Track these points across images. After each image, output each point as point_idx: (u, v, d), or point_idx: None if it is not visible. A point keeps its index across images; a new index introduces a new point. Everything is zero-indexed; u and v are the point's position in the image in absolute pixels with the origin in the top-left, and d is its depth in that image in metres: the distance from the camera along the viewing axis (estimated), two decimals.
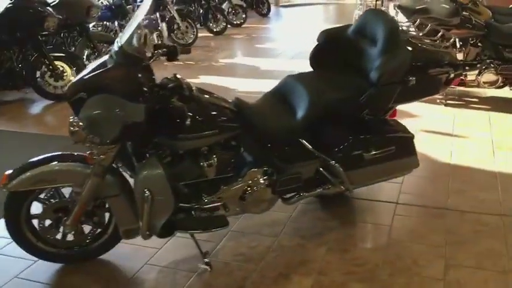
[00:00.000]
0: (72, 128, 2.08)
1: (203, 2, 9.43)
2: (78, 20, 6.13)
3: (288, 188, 2.61)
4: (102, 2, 7.40)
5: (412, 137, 2.75)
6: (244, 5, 10.68)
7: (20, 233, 2.37)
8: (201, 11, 9.52)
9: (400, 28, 2.87)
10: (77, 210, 2.28)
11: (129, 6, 7.17)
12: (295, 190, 2.65)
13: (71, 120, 2.10)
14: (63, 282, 2.41)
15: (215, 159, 2.40)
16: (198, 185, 2.45)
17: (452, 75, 2.73)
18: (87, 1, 6.12)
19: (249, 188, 2.50)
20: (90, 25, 7.13)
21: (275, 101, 2.67)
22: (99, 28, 7.30)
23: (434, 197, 3.10)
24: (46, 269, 2.46)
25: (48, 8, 5.51)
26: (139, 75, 2.12)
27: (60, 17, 5.60)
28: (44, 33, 5.48)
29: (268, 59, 7.34)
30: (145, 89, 2.11)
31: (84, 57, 6.18)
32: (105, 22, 7.31)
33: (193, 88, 2.31)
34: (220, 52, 8.00)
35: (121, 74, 2.11)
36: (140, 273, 2.45)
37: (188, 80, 2.26)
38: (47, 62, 5.36)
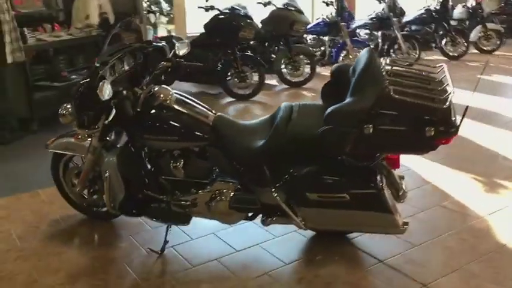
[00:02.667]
0: (61, 112, 2.75)
1: (444, 23, 8.89)
2: (282, 33, 6.90)
3: (243, 207, 2.71)
4: (324, 15, 7.93)
5: (377, 192, 2.43)
6: (502, 31, 9.52)
7: (61, 188, 3.20)
8: (440, 32, 8.99)
9: (385, 72, 2.44)
10: (82, 176, 2.98)
11: (343, 24, 7.50)
12: (253, 211, 2.73)
13: (64, 105, 2.77)
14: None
15: (181, 162, 2.74)
16: (174, 183, 2.83)
17: (431, 133, 2.27)
18: (292, 17, 6.81)
19: (213, 197, 2.73)
20: (308, 37, 7.86)
21: (262, 125, 2.78)
22: (313, 41, 7.90)
23: None
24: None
25: (249, 20, 6.43)
26: None
27: (259, 28, 6.50)
28: (243, 41, 6.46)
29: None
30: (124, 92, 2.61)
31: (282, 65, 6.94)
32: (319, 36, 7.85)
33: (169, 99, 2.68)
34: None
35: None
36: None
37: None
38: (235, 66, 6.28)
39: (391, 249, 2.81)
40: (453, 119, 2.29)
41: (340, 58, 7.58)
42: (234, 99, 6.43)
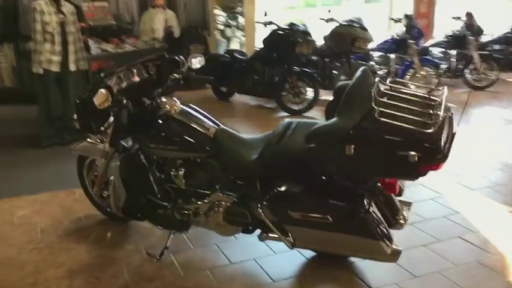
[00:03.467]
0: (74, 117, 2.96)
1: None
2: (344, 49, 6.84)
3: (236, 220, 2.74)
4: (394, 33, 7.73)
5: (360, 216, 2.34)
6: None
7: (86, 189, 3.44)
8: None
9: (377, 93, 2.31)
10: (97, 179, 3.18)
11: (412, 41, 7.25)
12: (245, 225, 2.75)
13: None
14: None
15: (182, 172, 2.84)
16: (178, 191, 2.94)
17: (414, 159, 2.14)
18: (354, 33, 6.72)
19: (210, 208, 2.80)
20: (375, 54, 7.70)
21: (261, 140, 2.80)
22: (380, 58, 7.71)
23: None
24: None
25: (307, 36, 6.45)
26: None
27: (316, 44, 6.51)
28: (300, 56, 6.49)
29: None
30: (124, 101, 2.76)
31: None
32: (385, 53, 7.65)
33: (174, 109, 2.80)
34: None
35: None
36: None
37: None
38: (290, 81, 6.32)
39: (388, 277, 2.69)
40: (440, 145, 2.15)
41: (407, 77, 7.31)
42: (287, 114, 6.45)
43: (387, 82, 2.53)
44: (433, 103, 2.31)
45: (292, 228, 2.53)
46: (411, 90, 2.51)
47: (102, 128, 2.80)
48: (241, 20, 9.96)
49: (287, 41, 6.32)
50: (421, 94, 2.44)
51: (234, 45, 9.59)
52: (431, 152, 2.14)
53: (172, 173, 2.86)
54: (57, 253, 3.00)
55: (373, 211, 2.40)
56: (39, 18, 4.81)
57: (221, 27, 9.48)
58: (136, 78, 2.97)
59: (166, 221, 2.93)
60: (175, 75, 2.94)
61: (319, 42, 7.20)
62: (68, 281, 2.72)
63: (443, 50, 7.97)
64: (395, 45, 7.54)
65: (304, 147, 2.36)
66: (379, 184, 2.55)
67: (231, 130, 2.90)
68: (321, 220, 2.40)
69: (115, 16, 6.30)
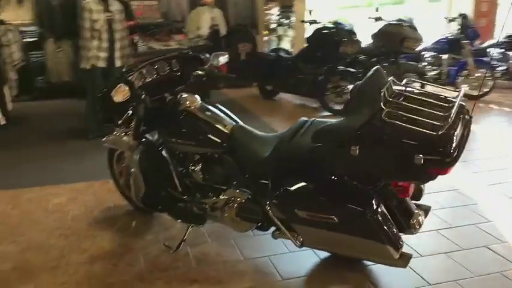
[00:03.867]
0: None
1: None
2: (392, 49, 6.66)
3: (248, 216, 2.76)
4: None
5: (366, 218, 2.29)
6: None
7: (115, 180, 3.58)
8: None
9: (388, 93, 2.26)
10: (124, 171, 3.31)
11: (466, 41, 6.95)
12: (257, 222, 2.76)
13: None
14: None
15: (199, 166, 2.90)
16: (196, 185, 3.01)
17: (421, 162, 2.07)
18: (404, 33, 6.54)
19: (225, 203, 2.85)
20: (426, 54, 7.46)
21: (277, 138, 2.80)
22: (431, 59, 7.44)
23: None
24: None
25: (352, 35, 6.36)
26: None
27: (361, 43, 6.39)
28: (344, 56, 6.41)
29: None
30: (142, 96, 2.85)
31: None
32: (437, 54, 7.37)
33: (193, 105, 2.87)
34: None
35: None
36: None
37: None
38: (334, 80, 6.25)
39: (400, 282, 2.62)
40: (449, 148, 2.07)
41: (460, 79, 7.02)
42: (330, 114, 6.38)
43: (403, 82, 2.45)
44: (446, 105, 2.23)
45: (300, 227, 2.52)
46: (426, 91, 2.42)
47: (120, 122, 2.89)
48: (293, 18, 9.93)
49: (331, 40, 6.26)
50: (436, 95, 2.36)
51: (285, 44, 9.58)
52: (439, 155, 2.07)
53: (190, 167, 2.92)
54: (82, 239, 3.15)
55: (381, 214, 2.35)
56: (88, 16, 5.05)
57: (273, 25, 9.49)
58: (161, 73, 3.04)
59: (183, 214, 3.00)
60: (198, 72, 3.00)
61: (368, 41, 7.06)
62: (87, 266, 2.85)
63: (503, 51, 7.57)
64: (449, 45, 7.24)
65: (312, 146, 2.35)
66: (391, 187, 2.48)
67: (248, 127, 2.92)
68: (327, 220, 2.37)
69: (164, 14, 6.49)
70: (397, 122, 2.11)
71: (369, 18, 6.96)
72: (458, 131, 2.16)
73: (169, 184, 3.01)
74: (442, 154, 2.07)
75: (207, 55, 3.18)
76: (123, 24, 5.34)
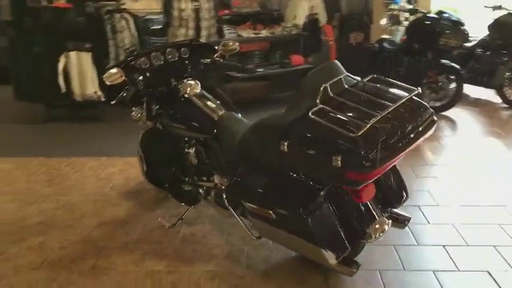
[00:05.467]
0: None
1: None
2: (509, 42, 5.93)
3: (220, 202, 2.84)
4: None
5: (304, 218, 2.19)
6: None
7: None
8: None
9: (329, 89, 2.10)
10: None
11: None
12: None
13: None
14: None
15: (192, 150, 3.07)
16: (195, 168, 3.18)
17: (338, 163, 1.92)
18: None
19: (212, 188, 2.98)
20: None
21: None
22: None
23: None
24: None
25: (457, 26, 5.80)
26: None
27: (467, 35, 5.79)
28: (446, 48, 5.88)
29: None
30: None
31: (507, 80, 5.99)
32: None
33: (189, 92, 3.03)
34: None
35: None
36: None
37: None
38: (429, 75, 5.79)
39: None
40: (367, 151, 1.92)
41: None
42: None
43: (366, 79, 2.29)
44: (390, 105, 2.04)
45: (251, 218, 2.51)
46: (383, 88, 2.22)
47: (113, 102, 3.14)
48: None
49: (430, 31, 5.77)
50: (390, 94, 2.16)
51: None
52: (356, 159, 1.93)
53: (186, 150, 3.09)
54: (106, 206, 3.54)
55: (321, 215, 2.24)
56: (177, 5, 5.48)
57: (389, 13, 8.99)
58: (170, 60, 3.21)
59: (178, 193, 3.18)
60: (206, 60, 3.14)
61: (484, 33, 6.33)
62: (92, 229, 3.21)
63: None
64: None
65: (252, 138, 2.34)
66: (343, 189, 2.35)
67: (237, 116, 2.96)
68: (266, 215, 2.34)
69: (262, 3, 6.64)
70: (321, 120, 2.01)
71: (485, 7, 6.22)
72: (389, 132, 1.97)
73: (170, 164, 3.21)
74: (358, 157, 1.92)
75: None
76: (211, 13, 5.65)
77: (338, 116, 2.01)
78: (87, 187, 3.89)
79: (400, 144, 2.03)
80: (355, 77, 2.28)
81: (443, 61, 5.75)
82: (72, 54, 5.58)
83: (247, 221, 2.58)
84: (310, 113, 2.04)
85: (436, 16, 5.85)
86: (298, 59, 6.34)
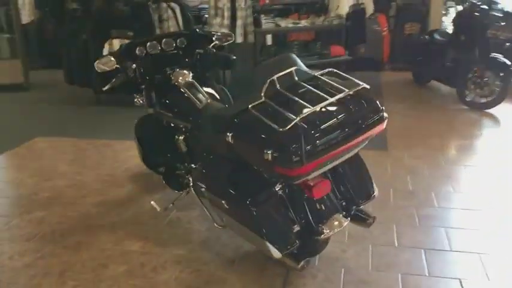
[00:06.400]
0: None
1: None
2: None
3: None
4: None
5: (250, 209, 2.18)
6: None
7: None
8: None
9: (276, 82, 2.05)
10: None
11: None
12: None
13: None
14: None
15: (181, 137, 3.15)
16: (184, 155, 3.26)
17: (269, 157, 1.90)
18: None
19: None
20: None
21: None
22: None
23: None
24: None
25: (509, 17, 5.40)
26: None
27: None
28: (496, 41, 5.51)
29: None
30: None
31: None
32: None
33: (178, 81, 3.11)
34: None
35: None
36: None
37: None
38: (475, 70, 5.45)
39: None
40: (293, 147, 1.89)
41: None
42: (466, 108, 5.60)
43: (320, 73, 2.23)
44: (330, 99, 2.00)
45: (211, 207, 2.54)
46: (333, 84, 2.15)
47: (105, 88, 3.26)
48: None
49: (477, 22, 5.41)
50: (338, 88, 2.10)
51: None
52: (284, 154, 1.91)
53: (176, 137, 3.17)
54: (113, 187, 3.73)
55: (270, 207, 2.24)
56: None
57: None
58: (166, 49, 3.29)
59: (167, 178, 3.27)
60: (199, 50, 3.20)
61: None
62: (89, 207, 3.40)
63: None
64: None
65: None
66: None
67: (219, 105, 2.99)
68: (222, 204, 2.36)
69: None
70: (258, 114, 2.01)
71: None
72: (319, 128, 1.93)
73: (165, 150, 3.31)
74: (286, 153, 1.90)
75: (216, 33, 3.31)
76: (247, 3, 5.69)
77: (275, 110, 1.98)
78: (102, 168, 4.11)
79: (335, 141, 1.97)
80: (309, 71, 2.23)
81: (495, 55, 5.36)
82: (115, 42, 5.85)
83: None
84: (249, 106, 2.04)
85: (485, 6, 5.45)
86: (339, 50, 6.21)
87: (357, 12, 6.49)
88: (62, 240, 2.99)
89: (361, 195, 2.44)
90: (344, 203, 2.44)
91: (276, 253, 2.19)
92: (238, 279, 2.55)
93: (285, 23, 6.02)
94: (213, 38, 3.27)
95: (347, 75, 2.23)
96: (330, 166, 2.16)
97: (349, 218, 2.36)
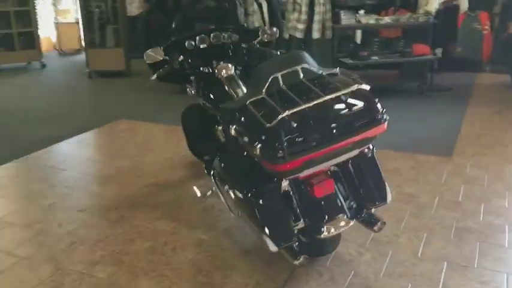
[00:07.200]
0: None
1: None
2: None
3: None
4: None
5: (252, 201, 2.24)
6: None
7: None
8: None
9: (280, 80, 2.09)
10: None
11: None
12: None
13: None
14: None
15: (219, 128, 3.30)
16: (223, 145, 3.38)
17: (257, 152, 1.95)
18: None
19: None
20: None
21: None
22: None
23: None
24: None
25: None
26: None
27: None
28: None
29: None
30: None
31: None
32: None
33: (221, 74, 3.24)
34: None
35: None
36: None
37: None
38: None
39: None
40: (276, 143, 1.94)
41: None
42: None
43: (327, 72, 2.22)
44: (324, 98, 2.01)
45: (227, 196, 2.63)
46: (328, 84, 2.14)
47: (152, 78, 3.45)
48: None
49: None
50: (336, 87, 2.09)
51: None
52: (269, 149, 1.97)
53: (217, 126, 3.32)
54: (165, 170, 3.98)
55: (270, 201, 2.28)
56: None
57: None
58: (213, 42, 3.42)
59: (208, 166, 3.42)
60: (243, 45, 3.31)
61: None
62: (142, 188, 3.67)
63: None
64: None
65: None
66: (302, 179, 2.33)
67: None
68: (232, 194, 2.44)
69: None
70: (253, 109, 2.07)
71: None
72: (305, 125, 1.95)
73: (208, 139, 3.47)
74: (271, 149, 1.95)
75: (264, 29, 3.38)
76: None
77: (270, 106, 2.02)
78: (163, 152, 4.39)
79: (324, 139, 1.96)
80: (317, 69, 2.22)
81: None
82: None
83: None
84: (247, 102, 2.11)
85: None
86: (422, 49, 5.91)
87: (448, 8, 6.11)
88: (107, 213, 3.28)
89: (371, 199, 2.37)
90: (354, 205, 2.40)
91: (272, 246, 2.23)
92: (247, 268, 2.62)
93: (366, 19, 5.86)
94: (259, 34, 3.34)
95: (355, 75, 2.18)
96: (326, 165, 2.15)
97: (353, 221, 2.31)
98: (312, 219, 2.31)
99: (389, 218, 3.04)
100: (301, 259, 2.25)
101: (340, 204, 2.32)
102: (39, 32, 9.09)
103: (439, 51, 6.87)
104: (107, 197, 3.52)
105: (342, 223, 2.26)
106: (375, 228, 2.38)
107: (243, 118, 2.15)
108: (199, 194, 3.32)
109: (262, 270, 2.59)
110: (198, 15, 6.19)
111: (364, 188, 2.37)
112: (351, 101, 2.04)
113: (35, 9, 8.93)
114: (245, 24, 3.58)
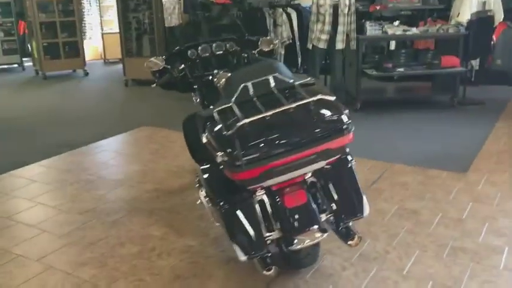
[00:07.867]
0: None
1: None
2: None
3: None
4: None
5: (224, 210, 2.26)
6: None
7: None
8: None
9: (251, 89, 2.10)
10: None
11: None
12: None
13: None
14: None
15: None
16: None
17: (219, 160, 1.97)
18: None
19: None
20: None
21: None
22: None
23: None
24: None
25: None
26: None
27: None
28: None
29: None
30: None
31: None
32: None
33: (220, 82, 3.27)
34: None
35: None
36: None
37: None
38: None
39: None
40: (232, 151, 1.94)
41: None
42: None
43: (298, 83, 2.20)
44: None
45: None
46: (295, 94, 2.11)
47: (153, 86, 3.51)
48: None
49: None
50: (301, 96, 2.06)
51: None
52: (229, 157, 1.98)
53: None
54: (172, 177, 4.04)
55: (243, 211, 2.27)
56: (315, 0, 5.60)
57: None
58: (216, 52, 3.45)
59: None
60: (244, 54, 3.33)
61: None
62: (145, 193, 3.74)
63: None
64: None
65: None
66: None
67: None
68: (209, 201, 2.48)
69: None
70: (218, 118, 2.09)
71: None
72: (262, 134, 1.94)
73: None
74: (228, 155, 1.96)
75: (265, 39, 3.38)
76: (351, 9, 5.59)
77: (234, 114, 2.02)
78: (175, 159, 4.46)
79: (284, 149, 1.94)
80: (289, 79, 2.20)
81: None
82: None
83: None
84: (214, 111, 2.12)
85: None
86: (451, 61, 5.71)
87: (482, 19, 5.87)
88: (104, 216, 3.36)
89: (347, 212, 2.31)
90: (332, 218, 2.34)
91: (240, 255, 2.21)
92: (225, 277, 2.61)
93: (393, 30, 5.73)
94: (258, 44, 3.34)
95: (324, 87, 2.15)
96: (292, 175, 2.11)
97: (326, 233, 2.25)
98: (284, 230, 2.27)
99: (382, 234, 2.95)
100: (271, 270, 2.22)
101: (313, 216, 2.26)
102: (87, 41, 9.48)
103: (475, 63, 6.63)
104: (109, 201, 3.61)
105: (316, 235, 2.21)
106: (351, 242, 2.31)
107: (210, 126, 2.16)
108: (198, 201, 3.34)
109: (239, 280, 2.57)
110: (225, 27, 6.27)
111: (341, 200, 2.31)
112: (315, 111, 2.00)
113: (82, 19, 9.35)
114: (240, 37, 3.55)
